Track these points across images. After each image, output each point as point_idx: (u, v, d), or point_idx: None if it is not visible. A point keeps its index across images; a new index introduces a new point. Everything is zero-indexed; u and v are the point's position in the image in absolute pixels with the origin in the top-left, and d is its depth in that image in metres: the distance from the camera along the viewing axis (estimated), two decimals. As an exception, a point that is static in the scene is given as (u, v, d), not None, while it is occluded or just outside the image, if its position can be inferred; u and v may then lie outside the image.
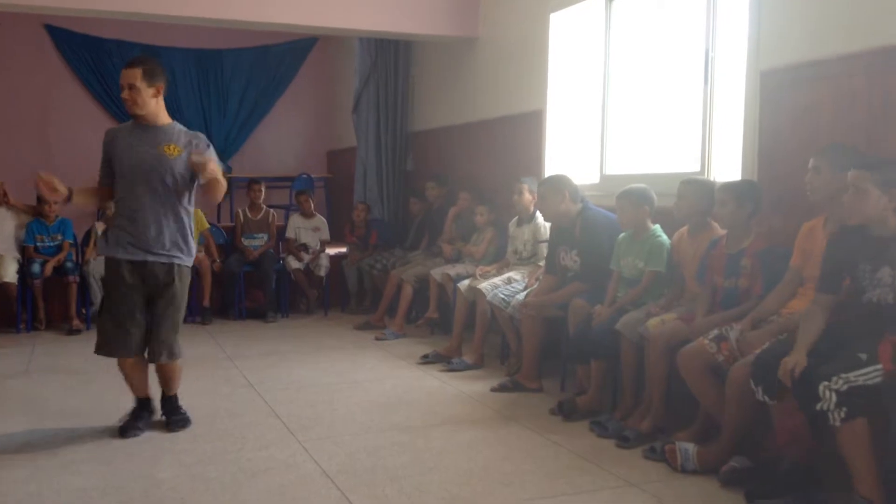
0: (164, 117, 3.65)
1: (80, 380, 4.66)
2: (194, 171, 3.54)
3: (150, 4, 5.69)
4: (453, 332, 5.26)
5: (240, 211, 7.19)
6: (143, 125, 3.61)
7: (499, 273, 5.13)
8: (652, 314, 3.72)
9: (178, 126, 3.70)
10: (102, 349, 3.62)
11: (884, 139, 3.23)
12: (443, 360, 5.08)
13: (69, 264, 6.28)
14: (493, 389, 4.43)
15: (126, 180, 3.58)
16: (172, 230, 3.61)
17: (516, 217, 5.31)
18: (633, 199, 4.02)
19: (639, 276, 4.02)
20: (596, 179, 5.22)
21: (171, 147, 3.59)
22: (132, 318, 3.59)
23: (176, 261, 3.63)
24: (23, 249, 6.28)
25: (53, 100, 8.80)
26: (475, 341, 5.02)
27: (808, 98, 3.61)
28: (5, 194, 6.32)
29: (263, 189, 7.17)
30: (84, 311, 6.34)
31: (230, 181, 9.00)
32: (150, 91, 3.53)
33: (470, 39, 6.54)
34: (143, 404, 3.84)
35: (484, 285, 4.96)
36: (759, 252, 3.44)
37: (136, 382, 3.78)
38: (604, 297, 4.10)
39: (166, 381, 3.82)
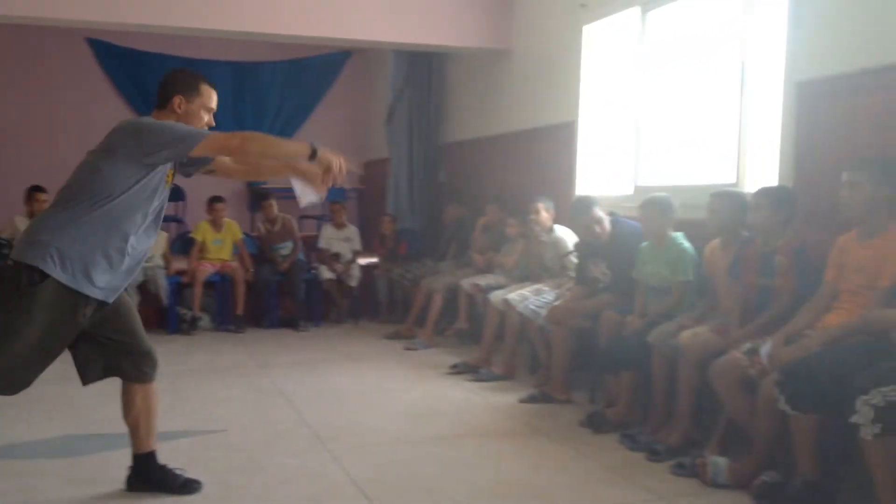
0: None
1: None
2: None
3: (190, 18, 5.81)
4: (483, 342, 5.26)
5: (260, 224, 7.29)
6: None
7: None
8: (684, 326, 3.68)
9: None
10: None
11: (922, 151, 3.18)
12: (472, 370, 5.07)
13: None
14: (522, 401, 4.41)
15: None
16: None
17: (537, 235, 5.30)
18: (659, 207, 4.04)
19: (664, 284, 4.01)
20: (630, 191, 5.19)
21: None
22: None
23: None
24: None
25: (94, 112, 8.95)
26: (505, 352, 5.01)
27: (845, 110, 3.56)
28: None
29: (275, 203, 7.17)
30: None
31: (265, 192, 9.15)
32: None
33: (503, 51, 6.56)
34: None
35: (513, 296, 4.96)
36: (793, 248, 3.40)
37: None
38: (634, 308, 4.08)
39: None
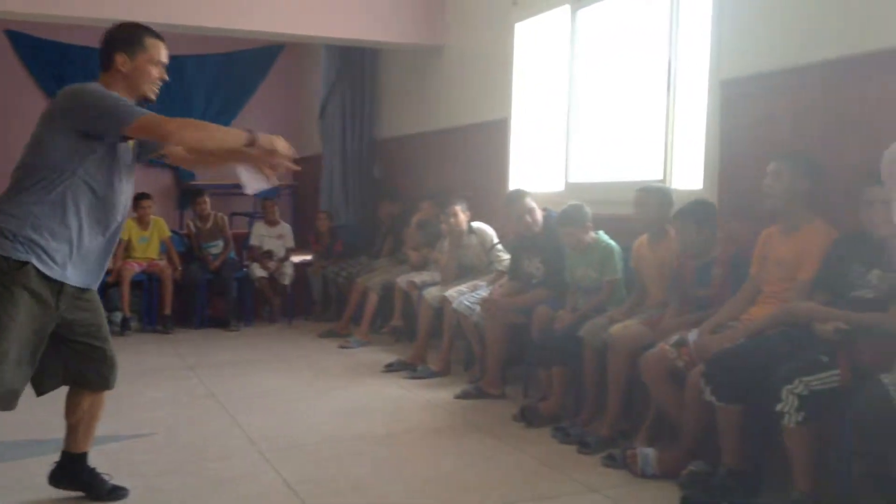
0: None
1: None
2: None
3: (115, 10, 5.60)
4: (417, 339, 5.25)
5: (189, 222, 7.12)
6: None
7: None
8: (615, 320, 3.74)
9: None
10: None
11: (839, 149, 3.29)
12: (407, 367, 5.05)
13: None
14: (457, 396, 4.42)
15: None
16: None
17: (458, 236, 5.31)
18: (578, 220, 4.07)
19: (594, 284, 4.08)
20: (561, 187, 5.25)
21: None
22: None
23: None
24: None
25: (13, 107, 8.62)
26: (442, 349, 5.01)
27: (766, 108, 3.67)
28: None
29: (208, 200, 7.04)
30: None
31: (195, 189, 8.94)
32: None
33: (436, 47, 6.55)
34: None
35: (450, 292, 4.97)
36: (729, 257, 3.47)
37: None
38: (565, 303, 4.13)
39: None
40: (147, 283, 6.56)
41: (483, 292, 4.84)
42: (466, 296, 4.85)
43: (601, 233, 4.12)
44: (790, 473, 2.74)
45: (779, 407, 2.65)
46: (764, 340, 2.97)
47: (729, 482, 2.89)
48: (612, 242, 4.08)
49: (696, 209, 3.56)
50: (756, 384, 2.80)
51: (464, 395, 4.41)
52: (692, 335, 3.24)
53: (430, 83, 6.76)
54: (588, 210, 4.10)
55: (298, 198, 9.42)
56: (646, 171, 4.54)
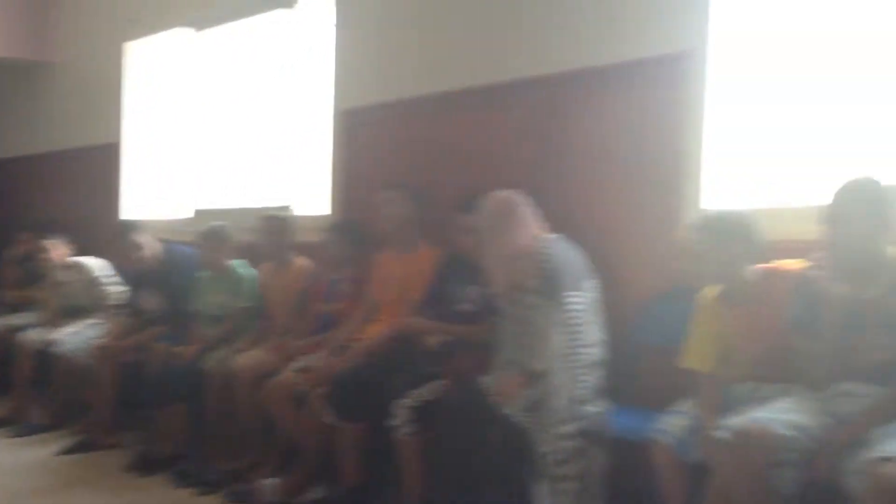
0: None
1: None
2: None
3: None
4: (15, 391, 4.54)
5: None
6: None
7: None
8: (241, 350, 3.63)
9: None
10: None
11: (439, 176, 3.53)
12: (4, 425, 4.34)
13: None
14: (60, 453, 3.90)
15: None
16: None
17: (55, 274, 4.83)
18: (216, 238, 3.95)
19: (224, 313, 3.92)
20: (190, 214, 5.01)
21: None
22: None
23: None
24: None
25: None
26: (51, 398, 4.40)
27: (379, 137, 3.86)
28: None
29: None
30: None
31: None
32: None
33: (45, 64, 6.00)
34: None
35: (58, 334, 4.40)
36: (357, 278, 3.53)
37: None
38: (187, 338, 3.89)
39: None
40: None
41: (94, 331, 4.36)
42: (75, 337, 4.33)
43: (239, 262, 4.00)
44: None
45: (392, 421, 2.72)
46: (379, 358, 3.06)
47: (350, 499, 2.91)
48: (248, 272, 3.98)
49: (347, 224, 3.64)
50: (373, 401, 2.86)
51: (69, 450, 3.90)
52: (315, 359, 3.23)
53: (37, 103, 6.17)
54: (231, 233, 3.97)
55: None
56: (276, 197, 4.49)
